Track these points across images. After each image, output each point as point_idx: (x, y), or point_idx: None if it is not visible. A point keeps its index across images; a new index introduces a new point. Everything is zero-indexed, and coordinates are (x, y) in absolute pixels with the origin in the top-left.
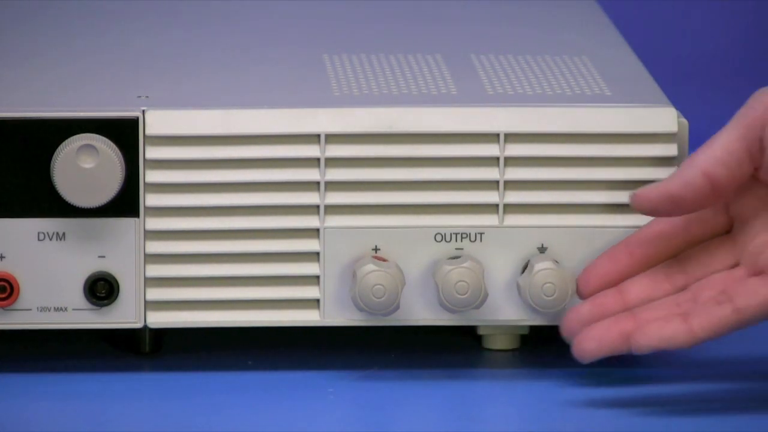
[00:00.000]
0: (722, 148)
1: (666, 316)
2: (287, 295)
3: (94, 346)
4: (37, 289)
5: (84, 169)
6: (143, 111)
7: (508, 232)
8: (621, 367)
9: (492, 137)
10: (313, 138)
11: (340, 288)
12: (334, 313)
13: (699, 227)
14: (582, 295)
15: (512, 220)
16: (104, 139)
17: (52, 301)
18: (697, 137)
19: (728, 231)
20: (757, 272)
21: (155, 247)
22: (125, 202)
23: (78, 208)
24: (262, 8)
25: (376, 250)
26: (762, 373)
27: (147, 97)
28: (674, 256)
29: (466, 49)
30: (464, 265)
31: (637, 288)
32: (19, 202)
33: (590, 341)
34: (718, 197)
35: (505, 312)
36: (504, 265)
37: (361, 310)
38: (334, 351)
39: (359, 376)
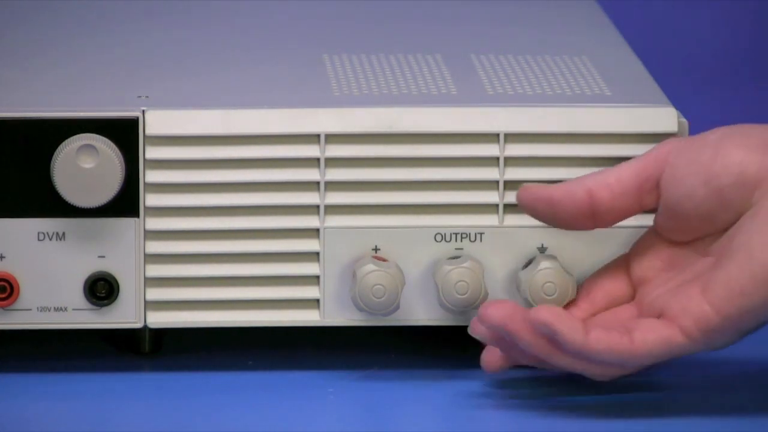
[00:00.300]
0: (615, 175)
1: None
2: (287, 295)
3: (94, 346)
4: (37, 289)
5: (84, 169)
6: (143, 111)
7: (508, 232)
8: None
9: (492, 137)
10: (313, 138)
11: (340, 288)
12: (334, 313)
13: (603, 299)
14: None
15: (512, 220)
16: (104, 139)
17: (52, 301)
18: None
19: (632, 299)
20: (656, 316)
21: (155, 247)
22: (125, 202)
23: (78, 208)
24: (262, 8)
25: (376, 250)
26: (763, 375)
27: (147, 97)
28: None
29: (466, 49)
30: (464, 265)
31: None
32: (19, 202)
33: (497, 310)
34: (594, 219)
35: None
36: (504, 265)
37: (361, 310)
38: (334, 351)
39: (359, 376)
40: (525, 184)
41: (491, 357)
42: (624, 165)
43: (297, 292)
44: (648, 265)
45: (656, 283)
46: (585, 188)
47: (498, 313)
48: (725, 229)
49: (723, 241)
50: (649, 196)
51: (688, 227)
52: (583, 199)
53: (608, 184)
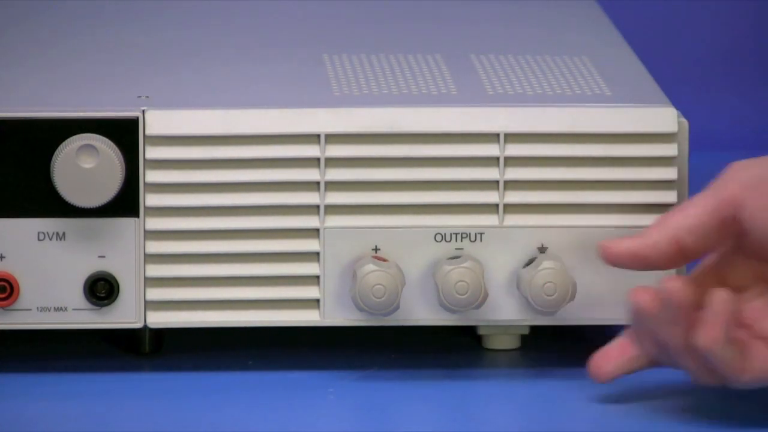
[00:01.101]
0: (695, 218)
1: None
2: (287, 295)
3: (94, 346)
4: (37, 289)
5: (84, 169)
6: (143, 111)
7: (508, 232)
8: None
9: (492, 137)
10: (313, 138)
11: (340, 288)
12: (334, 313)
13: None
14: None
15: (512, 220)
16: (104, 139)
17: (52, 301)
18: (697, 137)
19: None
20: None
21: (155, 247)
22: (125, 202)
23: (78, 208)
24: (263, 8)
25: (376, 250)
26: None
27: (147, 97)
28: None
29: (466, 49)
30: (464, 265)
31: None
32: (19, 202)
33: (682, 288)
34: (687, 260)
35: (505, 312)
36: (504, 265)
37: (361, 310)
38: (334, 351)
39: (359, 376)
40: (601, 243)
41: (604, 362)
42: (701, 202)
43: (297, 292)
44: (739, 273)
45: (754, 292)
46: (669, 238)
47: (682, 292)
48: None
49: None
50: (730, 230)
51: None
52: (671, 249)
53: (691, 228)
